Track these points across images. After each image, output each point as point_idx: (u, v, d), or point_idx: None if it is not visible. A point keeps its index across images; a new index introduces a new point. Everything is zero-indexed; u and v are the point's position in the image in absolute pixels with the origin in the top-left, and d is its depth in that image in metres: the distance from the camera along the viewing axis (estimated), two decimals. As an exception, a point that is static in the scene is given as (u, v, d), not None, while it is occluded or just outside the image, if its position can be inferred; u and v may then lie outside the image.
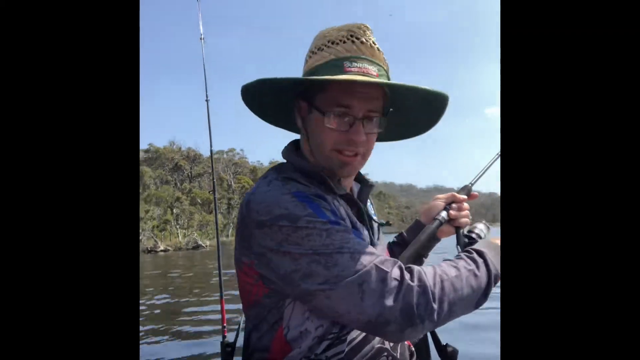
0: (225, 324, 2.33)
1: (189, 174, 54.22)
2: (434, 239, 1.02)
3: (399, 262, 0.74)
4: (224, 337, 2.29)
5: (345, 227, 0.76)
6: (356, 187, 0.98)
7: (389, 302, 0.68)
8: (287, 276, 0.73)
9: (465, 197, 1.04)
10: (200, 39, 2.37)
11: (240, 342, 0.99)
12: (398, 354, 0.86)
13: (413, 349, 0.99)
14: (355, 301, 0.69)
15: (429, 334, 1.07)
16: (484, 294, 0.76)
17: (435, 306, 0.69)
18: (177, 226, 39.21)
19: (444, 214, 1.00)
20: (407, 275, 0.71)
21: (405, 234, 1.11)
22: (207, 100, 2.32)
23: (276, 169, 0.87)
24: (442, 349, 1.04)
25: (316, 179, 0.84)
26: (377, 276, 0.70)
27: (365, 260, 0.71)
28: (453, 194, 1.03)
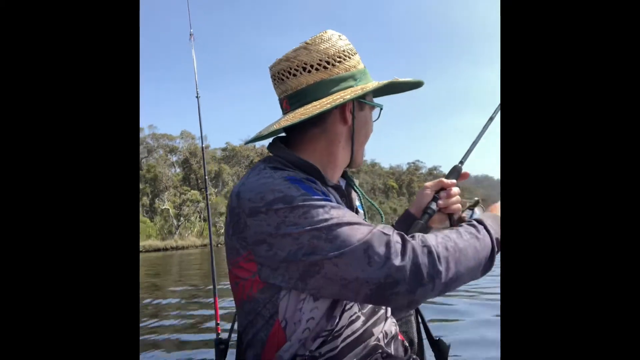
0: (218, 321, 2.33)
1: (263, 170, 56.16)
2: (425, 231, 0.96)
3: (397, 230, 0.75)
4: (217, 334, 2.29)
5: (339, 205, 0.77)
6: (342, 183, 0.96)
7: (396, 262, 0.69)
8: (291, 256, 0.73)
9: (454, 181, 0.97)
10: (190, 35, 2.39)
11: (233, 338, 0.99)
12: (392, 350, 0.85)
13: (407, 344, 0.96)
14: (363, 266, 0.69)
15: (422, 329, 1.04)
16: (489, 258, 0.77)
17: (442, 266, 0.71)
18: (252, 221, 40.84)
19: (432, 205, 0.95)
20: (409, 238, 0.73)
21: (395, 225, 1.04)
22: (197, 97, 2.34)
23: (265, 160, 0.87)
24: (434, 343, 1.00)
25: (306, 170, 0.83)
26: (380, 241, 0.71)
27: (365, 228, 0.72)
28: (441, 180, 0.97)
